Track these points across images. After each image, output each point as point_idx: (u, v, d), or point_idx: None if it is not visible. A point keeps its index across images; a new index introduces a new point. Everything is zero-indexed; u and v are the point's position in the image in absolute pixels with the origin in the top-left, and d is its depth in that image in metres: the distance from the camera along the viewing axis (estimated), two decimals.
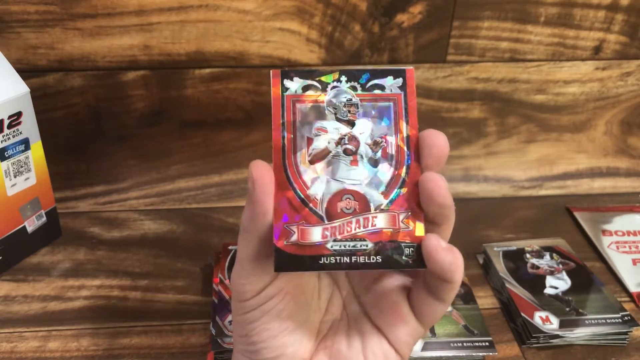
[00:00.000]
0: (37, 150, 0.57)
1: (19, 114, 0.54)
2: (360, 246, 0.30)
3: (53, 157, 0.60)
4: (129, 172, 0.69)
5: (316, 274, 0.34)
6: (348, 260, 0.30)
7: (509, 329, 0.53)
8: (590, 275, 0.57)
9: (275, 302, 0.32)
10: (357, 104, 0.31)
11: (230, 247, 0.58)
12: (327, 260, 0.30)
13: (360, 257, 0.30)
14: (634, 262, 0.60)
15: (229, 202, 0.69)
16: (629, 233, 0.64)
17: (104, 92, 0.65)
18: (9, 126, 0.53)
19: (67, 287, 0.57)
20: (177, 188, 0.69)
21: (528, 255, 0.59)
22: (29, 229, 0.59)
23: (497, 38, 0.66)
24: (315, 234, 0.30)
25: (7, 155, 0.54)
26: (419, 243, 0.30)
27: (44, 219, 0.61)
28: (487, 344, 0.50)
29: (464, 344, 0.50)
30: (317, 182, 0.30)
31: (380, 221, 0.30)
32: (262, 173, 0.29)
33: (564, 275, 0.57)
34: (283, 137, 0.31)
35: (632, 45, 0.68)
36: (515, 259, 0.59)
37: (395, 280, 0.33)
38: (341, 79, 0.32)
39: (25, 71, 0.60)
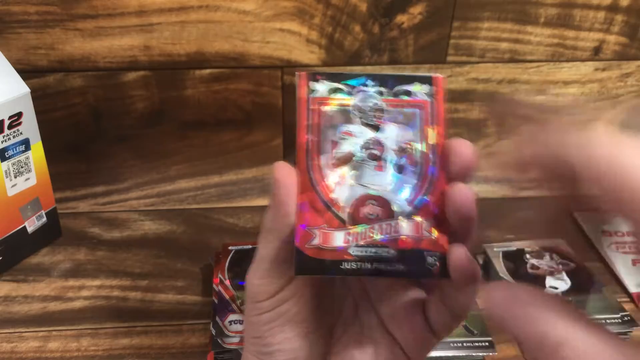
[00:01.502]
0: (37, 151, 0.57)
1: (19, 115, 0.54)
2: (383, 253, 0.29)
3: (53, 157, 0.60)
4: (129, 172, 0.69)
5: (335, 278, 0.34)
6: (369, 267, 0.29)
7: None
8: (590, 276, 0.57)
9: (291, 305, 0.31)
10: (383, 109, 0.31)
11: (230, 248, 0.58)
12: (348, 265, 0.29)
13: (383, 264, 0.29)
14: (634, 262, 0.60)
15: (229, 202, 0.69)
16: (628, 234, 0.64)
17: (104, 92, 0.65)
18: (10, 126, 0.53)
19: (67, 288, 0.57)
20: (177, 188, 0.69)
21: (528, 256, 0.59)
22: (29, 229, 0.59)
23: (497, 39, 0.66)
24: (338, 239, 0.29)
25: (7, 156, 0.54)
26: (442, 253, 0.29)
27: (44, 219, 0.61)
28: (487, 344, 0.50)
29: (464, 344, 0.50)
30: (341, 186, 0.30)
31: (404, 228, 0.30)
32: (286, 175, 0.29)
33: (564, 275, 0.57)
34: (308, 139, 0.30)
35: (632, 46, 0.68)
36: (515, 259, 0.59)
37: (411, 290, 0.33)
38: (368, 83, 0.31)
39: (25, 71, 0.60)
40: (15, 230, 0.58)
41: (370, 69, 0.66)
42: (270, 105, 0.67)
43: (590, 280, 0.56)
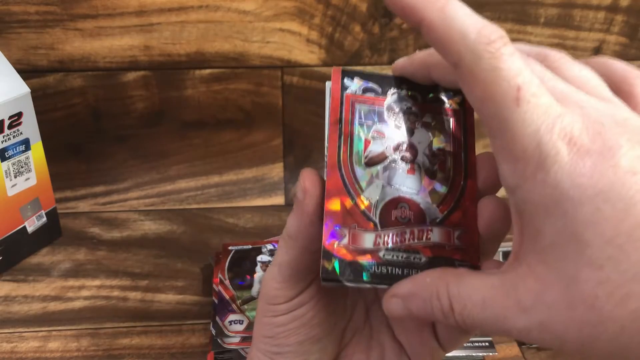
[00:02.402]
0: (37, 151, 0.57)
1: (19, 115, 0.54)
2: (414, 259, 0.28)
3: (53, 157, 0.60)
4: (129, 172, 0.69)
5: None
6: (400, 272, 0.28)
7: None
8: None
9: (307, 309, 0.31)
10: (416, 114, 0.30)
11: (230, 248, 0.58)
12: (377, 269, 0.28)
13: (413, 269, 0.28)
14: None
15: (229, 202, 0.69)
16: None
17: (104, 92, 0.65)
18: (10, 126, 0.53)
19: (67, 288, 0.57)
20: (177, 188, 0.69)
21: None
22: (29, 229, 0.59)
23: None
24: (367, 240, 0.28)
25: (7, 156, 0.54)
26: (474, 264, 0.28)
27: (44, 219, 0.61)
28: (487, 344, 0.50)
29: (464, 344, 0.50)
30: (372, 186, 0.29)
31: (436, 235, 0.29)
32: (314, 183, 0.29)
33: None
34: (340, 135, 0.29)
35: (632, 46, 0.68)
36: None
37: None
38: (402, 86, 0.31)
39: (25, 71, 0.60)
40: (15, 230, 0.58)
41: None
42: (270, 105, 0.67)
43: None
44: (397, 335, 0.33)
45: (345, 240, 0.28)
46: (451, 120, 0.30)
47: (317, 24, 0.63)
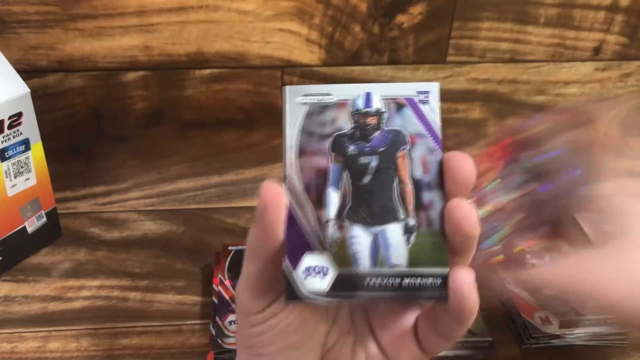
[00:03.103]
0: (37, 151, 0.57)
1: (19, 115, 0.54)
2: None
3: (53, 157, 0.60)
4: (129, 172, 0.69)
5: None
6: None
7: (509, 329, 0.53)
8: None
9: (282, 318, 0.31)
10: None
11: (230, 248, 0.58)
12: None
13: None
14: None
15: (229, 202, 0.69)
16: None
17: (104, 92, 0.65)
18: (10, 127, 0.53)
19: (67, 288, 0.57)
20: (177, 188, 0.69)
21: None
22: (29, 230, 0.59)
23: (497, 39, 0.66)
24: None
25: (7, 156, 0.54)
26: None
27: (44, 219, 0.61)
28: (487, 344, 0.50)
29: (464, 344, 0.50)
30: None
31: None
32: (274, 195, 0.27)
33: None
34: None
35: (632, 46, 0.68)
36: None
37: (404, 306, 0.32)
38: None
39: (25, 71, 0.60)
40: (15, 230, 0.58)
41: (370, 69, 0.66)
42: (270, 105, 0.67)
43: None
44: (380, 340, 0.32)
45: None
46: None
47: (317, 24, 0.63)
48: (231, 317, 0.51)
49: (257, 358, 0.32)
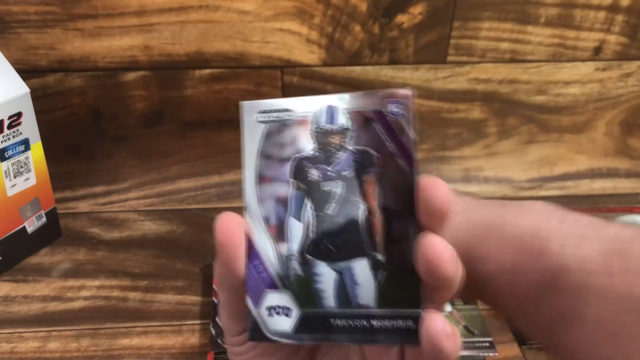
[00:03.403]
0: (37, 151, 0.57)
1: (19, 115, 0.54)
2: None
3: (53, 157, 0.60)
4: (129, 172, 0.69)
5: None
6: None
7: (509, 329, 0.53)
8: None
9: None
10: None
11: None
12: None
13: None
14: None
15: (229, 202, 0.69)
16: None
17: (104, 92, 0.65)
18: (9, 126, 0.53)
19: (67, 288, 0.57)
20: (177, 188, 0.69)
21: None
22: (29, 230, 0.59)
23: (497, 39, 0.66)
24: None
25: (7, 156, 0.54)
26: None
27: (44, 219, 0.61)
28: (487, 344, 0.50)
29: (464, 344, 0.50)
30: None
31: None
32: (231, 231, 0.25)
33: None
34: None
35: (632, 46, 0.68)
36: None
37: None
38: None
39: (25, 71, 0.60)
40: (15, 230, 0.58)
41: (370, 69, 0.66)
42: None
43: None
44: (367, 354, 0.32)
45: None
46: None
47: (317, 23, 0.63)
48: None
49: None
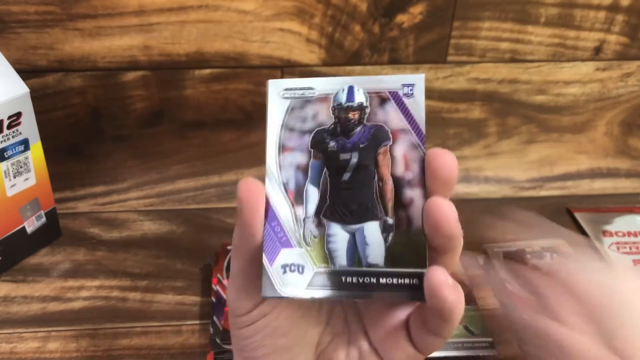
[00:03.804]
0: (36, 151, 0.57)
1: (18, 115, 0.54)
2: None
3: (53, 157, 0.60)
4: (129, 172, 0.69)
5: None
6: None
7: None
8: None
9: (269, 320, 0.30)
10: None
11: (228, 247, 0.58)
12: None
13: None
14: (635, 262, 0.60)
15: (228, 202, 0.69)
16: (629, 234, 0.64)
17: (103, 92, 0.65)
18: (9, 126, 0.53)
19: (66, 288, 0.57)
20: (176, 188, 0.69)
21: (528, 256, 0.59)
22: (29, 230, 0.59)
23: (497, 39, 0.66)
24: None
25: (6, 156, 0.54)
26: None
27: (44, 219, 0.61)
28: (487, 344, 0.50)
29: (464, 344, 0.50)
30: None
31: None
32: (251, 192, 0.27)
33: None
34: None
35: (633, 46, 0.68)
36: (515, 259, 0.59)
37: (394, 305, 0.32)
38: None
39: (25, 71, 0.60)
40: (15, 230, 0.58)
41: (370, 69, 0.66)
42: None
43: None
44: (373, 340, 0.32)
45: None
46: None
47: (317, 23, 0.63)
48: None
49: None
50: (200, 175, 0.70)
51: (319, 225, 0.28)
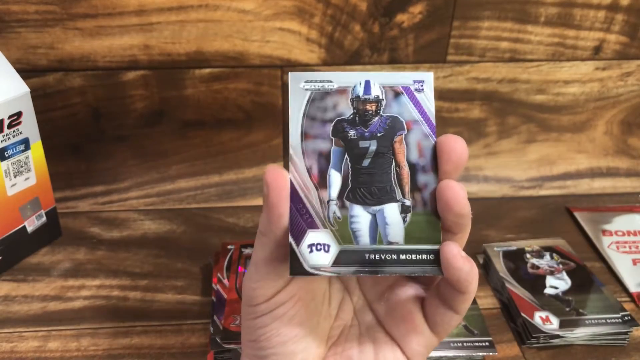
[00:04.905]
0: (37, 150, 0.57)
1: (19, 114, 0.54)
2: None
3: (53, 157, 0.60)
4: (129, 172, 0.69)
5: (331, 279, 0.34)
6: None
7: (509, 329, 0.53)
8: (590, 276, 0.57)
9: (287, 309, 0.31)
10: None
11: (228, 247, 0.58)
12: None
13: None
14: (634, 262, 0.60)
15: (228, 202, 0.69)
16: (629, 233, 0.64)
17: (104, 92, 0.65)
18: (9, 126, 0.53)
19: (67, 287, 0.57)
20: (177, 188, 0.69)
21: (528, 255, 0.59)
22: (29, 229, 0.59)
23: (497, 38, 0.66)
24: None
25: (7, 155, 0.54)
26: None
27: (44, 219, 0.61)
28: (487, 344, 0.50)
29: (464, 344, 0.50)
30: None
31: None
32: (277, 177, 0.29)
33: (564, 275, 0.57)
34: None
35: (632, 45, 0.68)
36: (515, 259, 0.59)
37: (409, 289, 0.33)
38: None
39: (25, 71, 0.60)
40: (15, 229, 0.58)
41: (370, 68, 0.66)
42: (270, 104, 0.67)
43: (590, 280, 0.56)
44: (388, 327, 0.33)
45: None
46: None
47: (317, 23, 0.63)
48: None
49: (261, 351, 0.32)
50: (200, 175, 0.70)
51: (342, 207, 0.30)
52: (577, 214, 0.68)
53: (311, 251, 0.30)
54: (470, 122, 0.70)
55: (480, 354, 0.50)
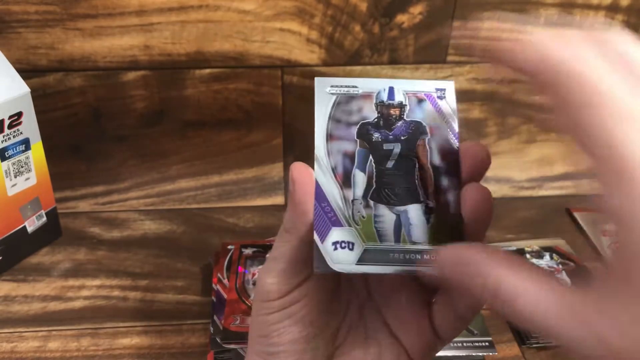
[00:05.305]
0: (37, 151, 0.57)
1: (19, 114, 0.54)
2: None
3: (53, 157, 0.60)
4: (129, 172, 0.69)
5: (342, 279, 0.35)
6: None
7: (509, 329, 0.53)
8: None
9: (300, 307, 0.31)
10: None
11: (228, 247, 0.58)
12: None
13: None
14: None
15: (229, 202, 0.69)
16: None
17: (104, 92, 0.65)
18: (10, 126, 0.53)
19: (67, 287, 0.57)
20: (177, 188, 0.69)
21: (528, 256, 0.59)
22: (29, 229, 0.59)
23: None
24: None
25: (7, 156, 0.54)
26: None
27: (44, 219, 0.61)
28: (487, 344, 0.50)
29: (464, 344, 0.50)
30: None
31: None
32: (303, 174, 0.30)
33: (564, 275, 0.57)
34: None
35: None
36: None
37: (417, 292, 0.33)
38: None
39: (25, 71, 0.60)
40: (15, 230, 0.58)
41: (370, 69, 0.66)
42: (270, 105, 0.67)
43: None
44: (394, 330, 0.33)
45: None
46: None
47: (317, 23, 0.63)
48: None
49: (271, 348, 0.32)
50: (201, 175, 0.70)
51: (367, 206, 0.31)
52: (577, 215, 0.68)
53: (335, 249, 0.30)
54: (470, 123, 0.70)
55: (480, 354, 0.50)
